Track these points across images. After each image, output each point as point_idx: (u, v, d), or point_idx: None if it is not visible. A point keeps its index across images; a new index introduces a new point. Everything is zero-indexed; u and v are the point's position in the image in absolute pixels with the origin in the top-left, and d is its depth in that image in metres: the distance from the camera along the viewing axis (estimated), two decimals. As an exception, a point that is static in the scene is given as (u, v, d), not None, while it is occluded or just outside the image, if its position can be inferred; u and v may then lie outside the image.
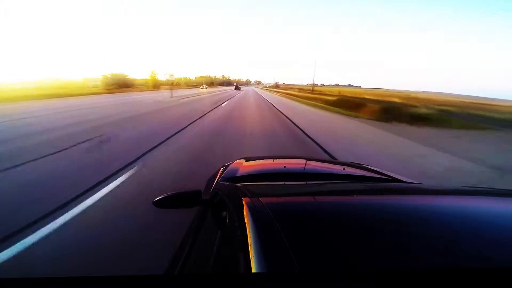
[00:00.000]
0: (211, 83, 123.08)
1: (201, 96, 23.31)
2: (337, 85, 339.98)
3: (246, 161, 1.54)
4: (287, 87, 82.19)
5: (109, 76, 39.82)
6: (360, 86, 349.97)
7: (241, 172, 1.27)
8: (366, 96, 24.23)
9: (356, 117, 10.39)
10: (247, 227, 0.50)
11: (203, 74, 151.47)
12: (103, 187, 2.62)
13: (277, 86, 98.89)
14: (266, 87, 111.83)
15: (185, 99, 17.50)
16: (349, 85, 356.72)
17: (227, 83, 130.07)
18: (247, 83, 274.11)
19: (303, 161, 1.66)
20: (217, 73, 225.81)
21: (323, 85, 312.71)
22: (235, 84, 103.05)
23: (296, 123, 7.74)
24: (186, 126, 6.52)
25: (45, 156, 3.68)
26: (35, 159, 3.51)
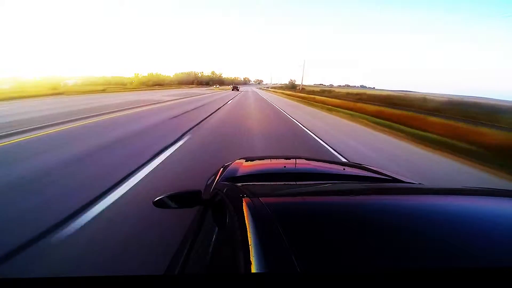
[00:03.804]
0: (191, 82, 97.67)
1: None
2: (347, 86, 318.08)
3: (246, 161, 1.58)
4: (303, 89, 56.49)
5: None
6: (374, 88, 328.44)
7: (241, 172, 1.31)
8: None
9: None
10: (247, 227, 0.52)
11: (186, 70, 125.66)
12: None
13: (293, 87, 71.57)
14: (268, 88, 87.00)
15: None
16: (362, 86, 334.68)
17: (215, 82, 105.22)
18: (246, 82, 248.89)
19: (303, 161, 1.75)
20: (206, 70, 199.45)
21: (332, 85, 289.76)
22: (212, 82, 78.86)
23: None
24: None
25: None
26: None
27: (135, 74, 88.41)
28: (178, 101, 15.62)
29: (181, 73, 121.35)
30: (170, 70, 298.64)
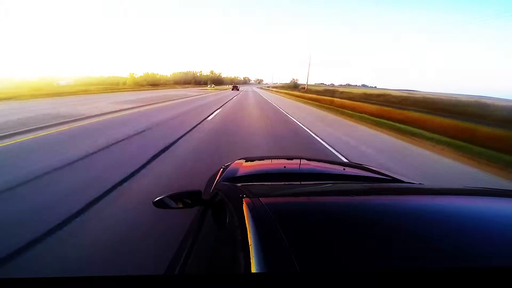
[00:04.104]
0: (189, 82, 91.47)
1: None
2: (348, 85, 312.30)
3: (246, 161, 1.57)
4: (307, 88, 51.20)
5: None
6: (375, 87, 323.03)
7: (241, 172, 1.29)
8: None
9: None
10: (247, 227, 0.52)
11: (185, 70, 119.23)
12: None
13: (295, 86, 69.07)
14: (269, 87, 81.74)
15: None
16: (363, 85, 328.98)
17: (213, 81, 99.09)
18: (246, 81, 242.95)
19: (303, 161, 1.71)
20: (205, 69, 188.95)
21: (333, 84, 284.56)
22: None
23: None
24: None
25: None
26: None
27: (130, 73, 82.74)
28: (128, 112, 9.09)
29: (179, 72, 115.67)
30: (168, 69, 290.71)
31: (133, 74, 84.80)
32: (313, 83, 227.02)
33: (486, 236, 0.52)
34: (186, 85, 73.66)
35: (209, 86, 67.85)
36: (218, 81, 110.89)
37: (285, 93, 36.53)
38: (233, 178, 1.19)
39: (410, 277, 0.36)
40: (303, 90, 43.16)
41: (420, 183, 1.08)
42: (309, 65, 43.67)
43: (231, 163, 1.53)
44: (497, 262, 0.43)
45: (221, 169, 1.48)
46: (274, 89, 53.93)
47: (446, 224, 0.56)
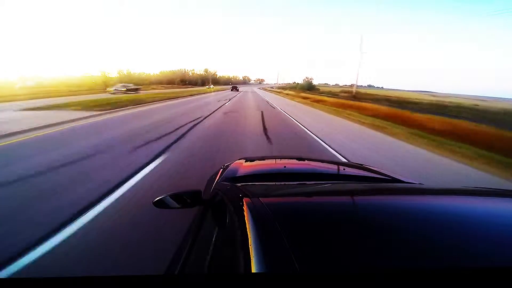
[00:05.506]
0: (171, 83, 72.62)
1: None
2: (353, 85, 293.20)
3: (246, 161, 1.57)
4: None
5: None
6: (382, 87, 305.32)
7: (241, 172, 1.30)
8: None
9: None
10: (247, 227, 0.52)
11: (174, 69, 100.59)
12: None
13: (310, 88, 55.46)
14: (272, 88, 64.65)
15: None
16: (369, 86, 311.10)
17: (205, 81, 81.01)
18: (246, 81, 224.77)
19: (303, 161, 1.72)
20: (199, 67, 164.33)
21: (338, 85, 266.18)
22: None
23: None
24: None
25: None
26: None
27: (101, 72, 63.92)
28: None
29: (169, 71, 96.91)
30: (161, 68, 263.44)
31: (104, 73, 65.00)
32: (316, 83, 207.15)
33: (486, 236, 0.51)
34: (164, 86, 55.85)
35: (113, 88, 25.85)
36: (206, 81, 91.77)
37: (346, 106, 15.35)
38: (233, 178, 1.20)
39: (410, 277, 0.35)
40: (350, 94, 25.33)
41: (420, 183, 1.08)
42: (361, 58, 25.47)
43: (231, 163, 1.54)
44: (497, 262, 0.43)
45: (221, 169, 1.49)
46: (289, 93, 34.29)
47: (446, 224, 0.56)
